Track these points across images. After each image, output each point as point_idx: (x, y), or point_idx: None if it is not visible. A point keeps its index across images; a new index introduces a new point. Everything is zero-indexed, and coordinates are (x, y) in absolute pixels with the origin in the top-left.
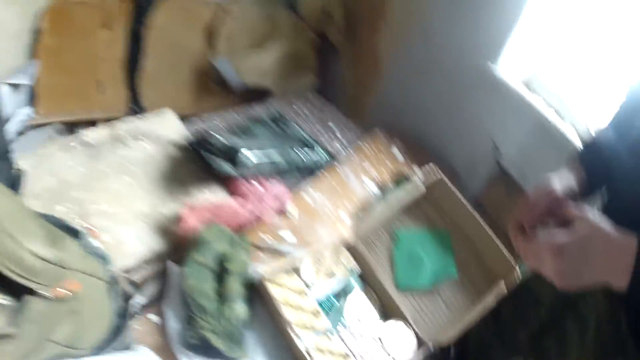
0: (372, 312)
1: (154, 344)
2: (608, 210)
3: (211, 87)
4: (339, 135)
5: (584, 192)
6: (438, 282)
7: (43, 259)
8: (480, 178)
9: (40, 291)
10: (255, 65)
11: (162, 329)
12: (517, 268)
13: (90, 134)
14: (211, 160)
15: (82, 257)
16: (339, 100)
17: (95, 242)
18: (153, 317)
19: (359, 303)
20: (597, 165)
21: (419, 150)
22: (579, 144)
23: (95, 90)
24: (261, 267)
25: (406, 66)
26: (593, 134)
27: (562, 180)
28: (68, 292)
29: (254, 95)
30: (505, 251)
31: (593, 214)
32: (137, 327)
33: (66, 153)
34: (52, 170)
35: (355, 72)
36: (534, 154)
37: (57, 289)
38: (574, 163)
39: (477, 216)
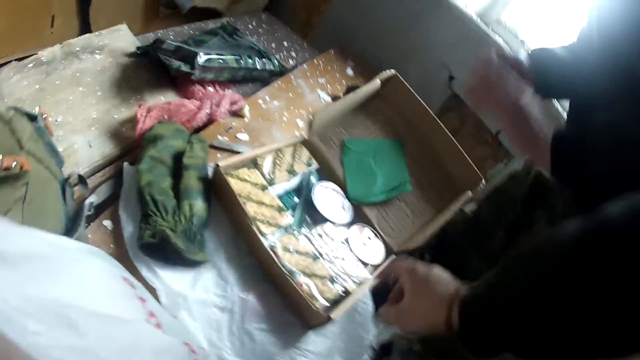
0: (336, 212)
1: (109, 252)
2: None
3: (160, 10)
4: (293, 53)
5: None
6: (392, 196)
7: None
8: (433, 104)
9: None
10: None
11: (117, 236)
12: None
13: (45, 53)
14: (167, 60)
15: (35, 140)
16: (289, 24)
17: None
18: (107, 224)
19: (322, 202)
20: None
21: (371, 72)
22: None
23: (48, 25)
24: (220, 160)
25: None
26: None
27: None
28: (18, 167)
29: (203, 18)
30: (467, 157)
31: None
32: (90, 235)
33: (21, 74)
34: (8, 93)
35: None
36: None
37: (7, 158)
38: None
39: (434, 116)
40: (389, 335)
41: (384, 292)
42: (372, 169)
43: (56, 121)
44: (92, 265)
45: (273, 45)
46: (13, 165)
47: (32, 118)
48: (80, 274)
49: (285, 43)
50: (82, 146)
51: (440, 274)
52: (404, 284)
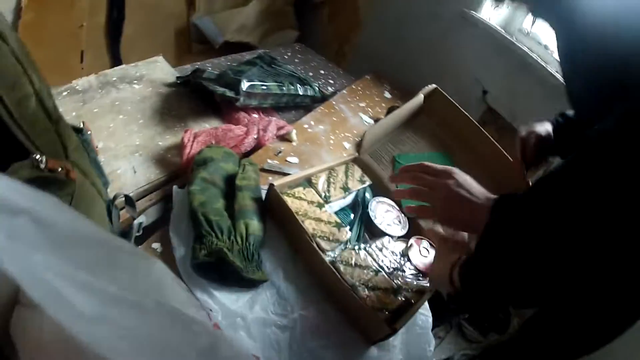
0: (393, 226)
1: None
2: None
3: (192, 47)
4: (330, 80)
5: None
6: None
7: (45, 110)
8: None
9: (31, 149)
10: (236, 22)
11: (167, 259)
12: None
13: (79, 82)
14: (212, 86)
15: (81, 153)
16: (321, 54)
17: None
18: (156, 246)
19: (379, 216)
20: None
21: (408, 94)
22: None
23: (79, 61)
24: (275, 180)
25: (386, 17)
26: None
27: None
28: (64, 173)
29: (235, 52)
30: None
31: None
32: None
33: (56, 101)
34: None
35: (335, 25)
36: (520, 93)
37: (52, 161)
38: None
39: (477, 124)
40: (448, 352)
41: (441, 303)
42: None
43: (97, 147)
44: (158, 265)
45: (310, 73)
46: (59, 170)
47: (78, 131)
48: (147, 269)
49: (322, 71)
50: (126, 171)
51: (455, 244)
52: (436, 247)
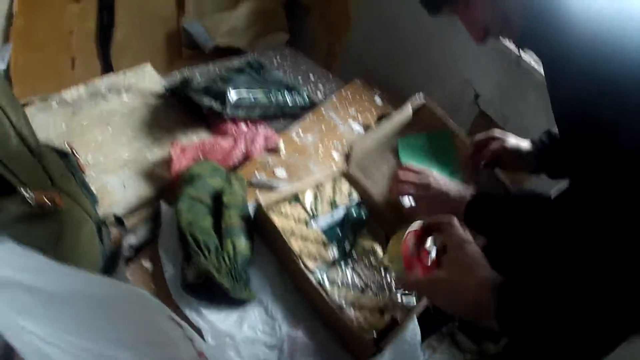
0: (380, 243)
1: (150, 293)
2: None
3: (183, 51)
4: (320, 85)
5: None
6: None
7: (27, 146)
8: (461, 122)
9: (18, 187)
10: (226, 25)
11: (157, 277)
12: None
13: (69, 93)
14: (199, 98)
15: (67, 178)
16: (311, 56)
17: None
18: (147, 264)
19: (364, 233)
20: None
21: (399, 98)
22: None
23: (70, 67)
24: (261, 197)
25: (375, 16)
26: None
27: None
28: (50, 203)
29: (226, 56)
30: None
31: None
32: (130, 276)
33: (45, 113)
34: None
35: (325, 27)
36: (512, 95)
37: (39, 194)
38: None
39: (465, 137)
40: None
41: (429, 317)
42: (426, 163)
43: (87, 162)
44: (139, 305)
45: (300, 78)
46: (46, 201)
47: (63, 154)
48: (129, 314)
49: (311, 76)
50: (116, 187)
51: (477, 252)
52: (449, 255)
